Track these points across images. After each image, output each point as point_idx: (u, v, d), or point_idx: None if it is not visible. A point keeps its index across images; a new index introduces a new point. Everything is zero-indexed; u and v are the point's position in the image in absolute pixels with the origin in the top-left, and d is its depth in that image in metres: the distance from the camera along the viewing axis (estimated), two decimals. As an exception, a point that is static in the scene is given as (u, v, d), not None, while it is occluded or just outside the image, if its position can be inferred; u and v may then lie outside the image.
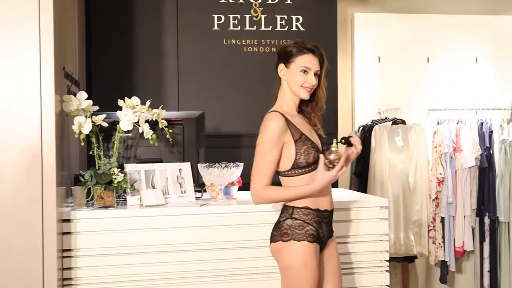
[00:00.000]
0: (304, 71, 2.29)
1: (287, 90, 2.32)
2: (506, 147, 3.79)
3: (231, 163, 2.48)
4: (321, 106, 2.39)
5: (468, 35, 4.03)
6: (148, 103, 2.45)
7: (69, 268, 2.20)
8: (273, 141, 2.20)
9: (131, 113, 2.38)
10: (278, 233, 2.16)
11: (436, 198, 3.73)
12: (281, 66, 2.32)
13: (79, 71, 3.10)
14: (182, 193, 2.53)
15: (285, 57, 2.33)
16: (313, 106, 2.40)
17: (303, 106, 2.40)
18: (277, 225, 2.18)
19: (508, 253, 3.86)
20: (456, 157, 3.73)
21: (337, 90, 3.76)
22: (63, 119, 2.31)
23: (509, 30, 4.04)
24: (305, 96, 2.30)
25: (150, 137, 2.42)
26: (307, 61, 2.30)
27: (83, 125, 2.29)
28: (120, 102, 2.40)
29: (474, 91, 4.00)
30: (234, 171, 2.46)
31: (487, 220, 3.86)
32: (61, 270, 2.17)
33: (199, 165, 2.46)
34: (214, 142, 3.53)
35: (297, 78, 2.28)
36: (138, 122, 2.41)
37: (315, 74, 2.30)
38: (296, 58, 2.30)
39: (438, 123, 3.82)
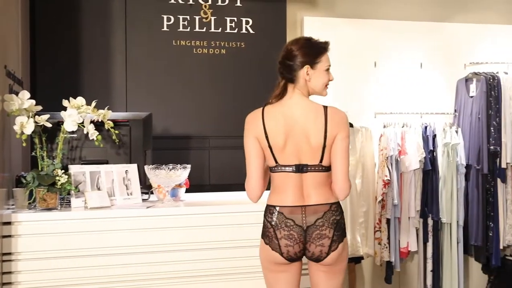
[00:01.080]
0: (327, 70, 2.29)
1: (306, 91, 2.27)
2: (449, 150, 3.88)
3: (179, 165, 2.46)
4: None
5: (414, 41, 4.11)
6: (93, 103, 2.42)
7: (10, 272, 2.14)
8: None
9: (76, 114, 2.34)
10: (341, 233, 2.18)
11: (382, 200, 3.79)
12: (306, 68, 2.25)
13: (23, 69, 3.03)
14: (128, 195, 2.50)
15: (311, 58, 2.27)
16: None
17: None
18: (338, 224, 2.19)
19: (449, 253, 3.96)
20: (401, 160, 3.80)
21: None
22: (4, 119, 2.25)
23: (453, 37, 4.14)
24: (326, 94, 2.31)
25: (95, 138, 2.38)
26: (328, 59, 2.29)
27: (25, 125, 2.24)
28: (65, 102, 2.36)
29: (419, 96, 4.08)
30: (182, 173, 2.44)
31: (430, 221, 3.94)
32: (0, 274, 2.11)
33: (146, 167, 2.43)
34: (162, 143, 3.50)
35: (324, 78, 2.27)
36: (83, 122, 2.37)
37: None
38: (322, 58, 2.27)
39: (384, 126, 3.88)
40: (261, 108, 2.27)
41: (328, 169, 2.25)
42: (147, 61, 3.61)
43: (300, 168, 2.24)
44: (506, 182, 3.90)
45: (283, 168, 2.24)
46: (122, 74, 3.61)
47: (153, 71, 3.62)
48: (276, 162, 2.24)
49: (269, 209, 2.22)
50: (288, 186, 2.24)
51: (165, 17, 3.64)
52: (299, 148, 2.24)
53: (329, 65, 2.28)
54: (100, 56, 3.57)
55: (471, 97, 3.90)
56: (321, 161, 2.24)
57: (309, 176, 2.25)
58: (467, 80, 3.97)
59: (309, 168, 2.25)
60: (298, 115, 2.26)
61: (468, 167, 3.94)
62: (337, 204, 2.24)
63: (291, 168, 2.24)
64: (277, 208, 2.21)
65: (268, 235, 2.19)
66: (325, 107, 2.24)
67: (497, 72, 3.88)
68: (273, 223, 2.19)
